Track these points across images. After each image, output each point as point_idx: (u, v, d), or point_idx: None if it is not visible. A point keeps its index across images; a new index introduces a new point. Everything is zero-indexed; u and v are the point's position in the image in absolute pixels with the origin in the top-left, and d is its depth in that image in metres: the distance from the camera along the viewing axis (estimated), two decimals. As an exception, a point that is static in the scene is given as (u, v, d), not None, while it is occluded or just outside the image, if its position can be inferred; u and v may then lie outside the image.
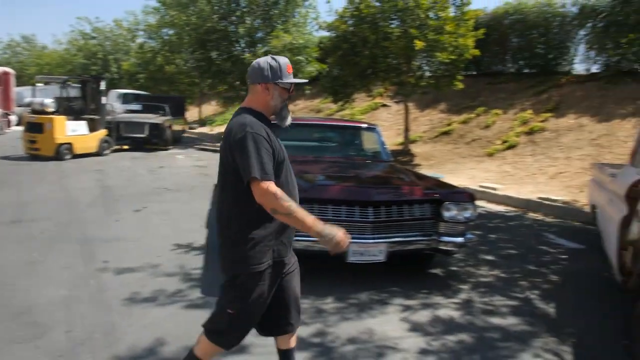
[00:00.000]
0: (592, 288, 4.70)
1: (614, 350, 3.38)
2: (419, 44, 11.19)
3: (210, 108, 27.76)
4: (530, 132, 11.97)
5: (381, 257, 4.16)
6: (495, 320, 3.76)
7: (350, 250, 4.02)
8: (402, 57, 12.41)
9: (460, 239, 4.35)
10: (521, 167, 10.83)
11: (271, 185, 2.10)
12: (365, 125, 6.52)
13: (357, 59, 12.61)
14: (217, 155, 2.36)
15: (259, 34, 17.90)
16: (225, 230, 2.28)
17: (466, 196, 4.40)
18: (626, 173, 4.31)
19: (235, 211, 2.24)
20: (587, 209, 7.41)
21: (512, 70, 15.88)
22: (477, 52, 12.00)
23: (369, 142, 6.35)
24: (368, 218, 4.12)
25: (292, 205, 2.13)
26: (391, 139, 14.03)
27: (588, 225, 7.19)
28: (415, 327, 3.58)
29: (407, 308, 3.92)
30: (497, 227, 7.11)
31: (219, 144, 2.45)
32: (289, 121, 2.37)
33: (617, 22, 12.11)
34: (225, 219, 2.27)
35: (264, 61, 2.30)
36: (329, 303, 3.93)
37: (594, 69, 13.97)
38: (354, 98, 14.95)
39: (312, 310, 3.77)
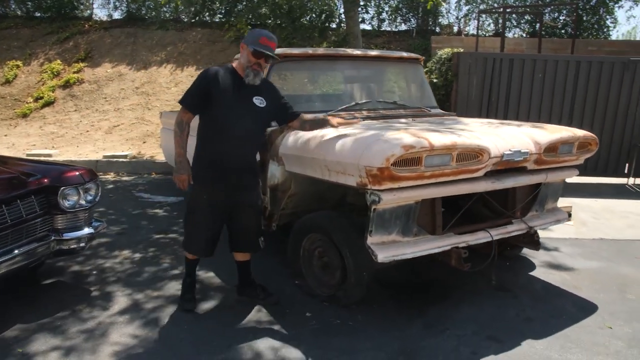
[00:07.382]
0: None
1: (293, 291, 3.36)
2: None
3: None
4: (68, 85, 10.71)
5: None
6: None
7: None
8: None
9: (89, 230, 3.30)
10: (69, 126, 9.63)
11: (182, 110, 2.90)
12: None
13: None
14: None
15: None
16: None
17: (86, 174, 3.30)
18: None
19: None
20: (162, 159, 7.34)
21: (19, 14, 13.57)
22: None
23: None
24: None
25: (179, 133, 2.88)
26: None
27: (167, 175, 7.12)
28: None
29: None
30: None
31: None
32: (251, 81, 2.85)
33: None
34: None
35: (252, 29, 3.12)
36: None
37: (116, 15, 13.60)
38: None
39: None
